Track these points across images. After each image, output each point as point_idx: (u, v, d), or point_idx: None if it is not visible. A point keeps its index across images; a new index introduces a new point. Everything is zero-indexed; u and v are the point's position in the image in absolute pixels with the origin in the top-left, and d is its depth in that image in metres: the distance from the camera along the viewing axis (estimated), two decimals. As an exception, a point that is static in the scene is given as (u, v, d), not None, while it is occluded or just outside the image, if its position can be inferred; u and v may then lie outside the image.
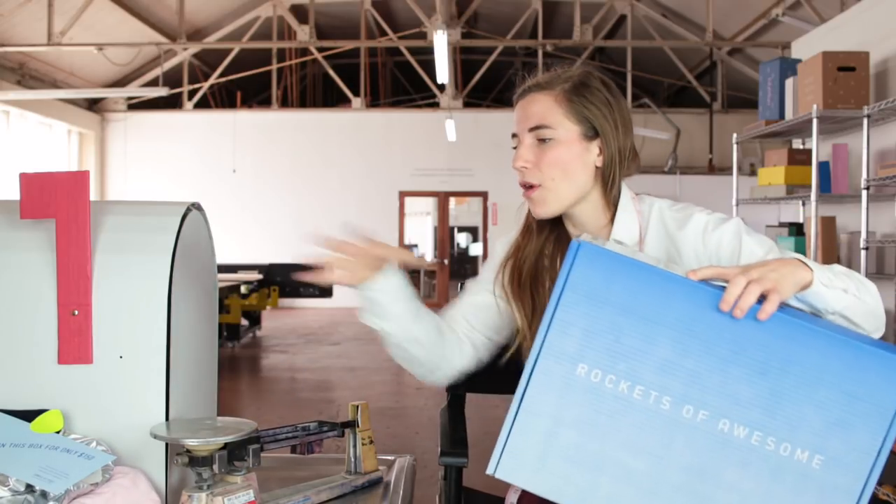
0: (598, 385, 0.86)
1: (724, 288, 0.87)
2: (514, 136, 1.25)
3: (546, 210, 1.21)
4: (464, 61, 12.15)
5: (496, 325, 1.29)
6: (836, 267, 1.03)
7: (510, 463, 0.88)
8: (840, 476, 0.83)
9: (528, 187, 1.22)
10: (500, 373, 1.28)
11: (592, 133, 1.21)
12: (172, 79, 10.70)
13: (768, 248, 1.16)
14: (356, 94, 11.58)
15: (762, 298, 0.87)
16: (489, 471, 0.88)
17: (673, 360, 0.85)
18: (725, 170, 10.32)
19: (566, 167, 1.19)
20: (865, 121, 3.20)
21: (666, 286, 0.86)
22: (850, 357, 0.84)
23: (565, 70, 1.25)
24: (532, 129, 1.21)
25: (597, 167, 1.21)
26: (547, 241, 1.28)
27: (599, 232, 1.24)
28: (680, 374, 0.85)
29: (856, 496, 0.83)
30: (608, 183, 1.22)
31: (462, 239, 16.73)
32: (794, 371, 0.84)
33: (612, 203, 1.23)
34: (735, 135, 4.22)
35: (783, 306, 0.90)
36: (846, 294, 0.99)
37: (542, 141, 1.20)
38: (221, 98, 12.44)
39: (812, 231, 3.44)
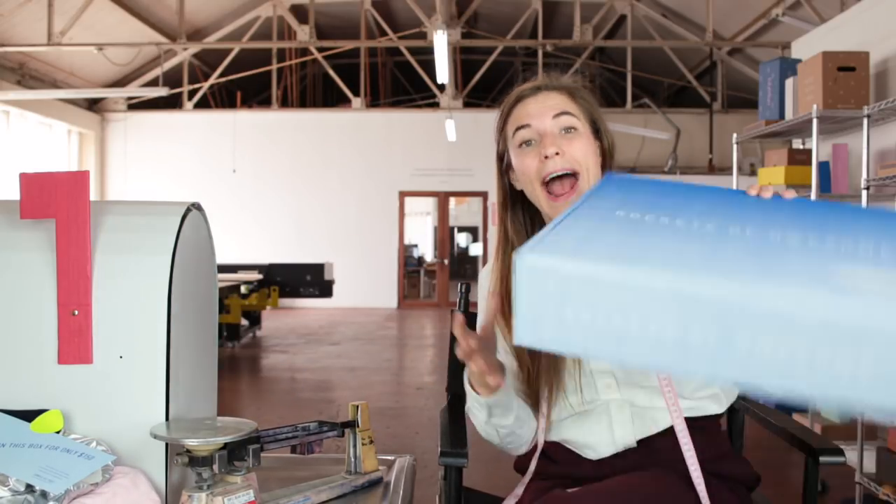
0: (639, 220, 0.78)
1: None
2: (521, 128, 1.20)
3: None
4: (464, 61, 12.15)
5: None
6: None
7: (546, 248, 0.70)
8: None
9: (557, 178, 1.17)
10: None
11: (596, 132, 1.24)
12: (172, 79, 10.71)
13: None
14: (356, 94, 11.58)
15: None
16: (518, 257, 0.69)
17: (712, 209, 0.82)
18: (725, 170, 10.32)
19: (591, 159, 1.20)
20: (865, 121, 3.20)
21: (692, 187, 0.87)
22: (877, 217, 0.81)
23: (561, 76, 1.27)
24: (557, 116, 1.19)
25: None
26: None
27: None
28: (720, 212, 0.80)
29: None
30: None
31: (462, 239, 16.74)
32: (833, 222, 0.80)
33: None
34: (735, 135, 4.22)
35: None
36: None
37: (566, 130, 1.19)
38: (221, 98, 12.44)
39: (812, 231, 3.44)
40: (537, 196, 1.20)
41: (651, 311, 0.64)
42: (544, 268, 0.68)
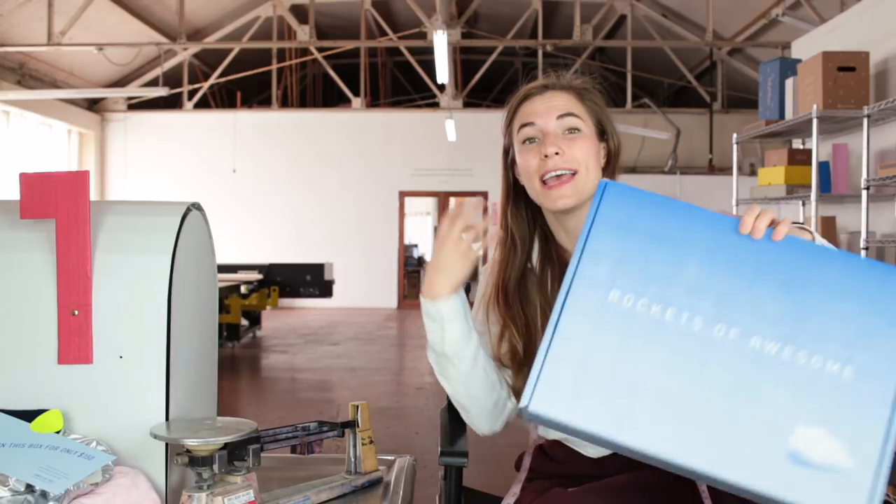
0: (631, 309, 0.88)
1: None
2: (526, 125, 1.22)
3: (573, 200, 1.18)
4: (464, 61, 12.14)
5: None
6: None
7: (544, 395, 0.85)
8: (872, 385, 0.84)
9: (555, 177, 1.18)
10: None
11: (601, 133, 1.25)
12: (172, 79, 10.70)
13: None
14: (356, 94, 11.58)
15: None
16: (522, 404, 0.85)
17: (701, 282, 0.88)
18: (725, 170, 10.32)
19: (592, 160, 1.21)
20: (865, 121, 3.20)
21: (689, 214, 0.91)
22: (867, 272, 0.87)
23: (571, 76, 1.27)
24: (561, 117, 1.20)
25: (602, 168, 1.25)
26: (532, 251, 1.28)
27: None
28: (709, 293, 0.87)
29: (889, 403, 0.84)
30: None
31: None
32: (817, 284, 0.87)
33: None
34: (735, 135, 4.22)
35: None
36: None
37: (569, 131, 1.20)
38: (221, 98, 12.44)
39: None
40: (535, 191, 1.21)
41: (639, 453, 0.85)
42: (545, 416, 0.86)
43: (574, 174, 1.18)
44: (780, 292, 0.87)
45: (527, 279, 1.26)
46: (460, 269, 1.11)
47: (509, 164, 1.28)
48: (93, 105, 11.51)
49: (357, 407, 1.19)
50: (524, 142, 1.22)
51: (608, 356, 0.87)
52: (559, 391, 0.86)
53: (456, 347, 1.14)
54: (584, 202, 1.21)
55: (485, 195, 11.68)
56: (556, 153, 1.18)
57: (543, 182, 1.19)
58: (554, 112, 1.20)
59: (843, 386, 0.84)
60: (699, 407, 0.85)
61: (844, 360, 0.85)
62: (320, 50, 11.11)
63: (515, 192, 1.28)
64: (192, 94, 11.62)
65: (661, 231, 0.90)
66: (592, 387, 0.86)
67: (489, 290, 1.28)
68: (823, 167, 3.55)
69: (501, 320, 1.24)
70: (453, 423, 1.38)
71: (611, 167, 1.26)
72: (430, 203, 14.41)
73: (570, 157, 1.18)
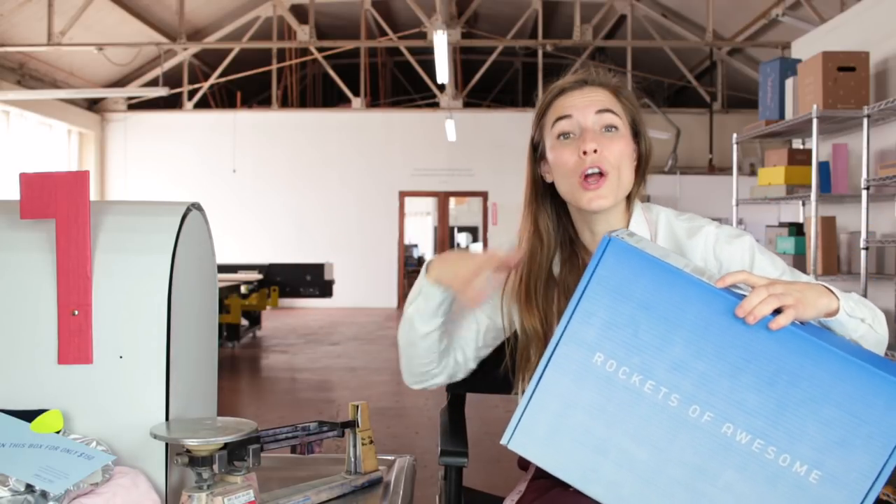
0: (612, 375, 0.90)
1: (743, 296, 0.88)
2: (562, 118, 1.18)
3: (608, 202, 1.16)
4: (464, 61, 12.14)
5: (480, 347, 1.31)
6: (853, 295, 1.04)
7: (522, 437, 0.93)
8: (836, 493, 0.84)
9: (592, 175, 1.15)
10: (501, 373, 1.28)
11: (635, 134, 1.22)
12: (172, 79, 10.70)
13: (782, 270, 1.15)
14: (356, 94, 11.58)
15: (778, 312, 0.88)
16: (503, 441, 0.93)
17: (686, 361, 0.88)
18: (725, 170, 10.32)
19: (627, 161, 1.18)
20: (865, 121, 3.20)
21: (687, 289, 0.89)
22: (862, 380, 0.84)
23: (606, 72, 1.25)
24: (600, 112, 1.17)
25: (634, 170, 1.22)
26: (559, 249, 1.26)
27: None
28: (691, 374, 0.88)
29: None
30: (634, 187, 1.22)
31: (462, 239, 16.73)
32: (803, 386, 0.85)
33: (629, 210, 1.23)
34: (735, 135, 4.22)
35: (803, 324, 0.91)
36: (863, 323, 1.01)
37: (607, 129, 1.17)
38: (221, 98, 12.44)
39: (812, 231, 3.44)
40: (571, 189, 1.18)
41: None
42: (521, 453, 0.94)
43: (603, 175, 1.15)
44: (763, 385, 0.86)
45: (552, 274, 1.25)
46: (463, 285, 1.17)
47: (537, 159, 1.25)
48: (93, 105, 11.51)
49: (357, 407, 1.19)
50: (559, 136, 1.18)
51: (583, 414, 0.90)
52: (534, 437, 0.92)
53: (431, 325, 1.23)
54: (618, 204, 1.19)
55: (484, 195, 11.69)
56: (595, 150, 1.14)
57: (585, 178, 1.15)
58: (593, 106, 1.17)
59: (805, 488, 0.85)
60: (660, 478, 0.88)
61: (813, 464, 0.84)
62: (320, 50, 11.11)
63: (544, 189, 1.25)
64: (192, 94, 11.61)
65: (656, 302, 0.89)
66: (564, 439, 0.91)
67: (515, 286, 1.26)
68: (823, 167, 3.55)
69: (519, 308, 1.25)
70: (453, 422, 1.38)
71: (642, 169, 1.23)
72: (430, 203, 14.41)
73: (604, 157, 1.15)
